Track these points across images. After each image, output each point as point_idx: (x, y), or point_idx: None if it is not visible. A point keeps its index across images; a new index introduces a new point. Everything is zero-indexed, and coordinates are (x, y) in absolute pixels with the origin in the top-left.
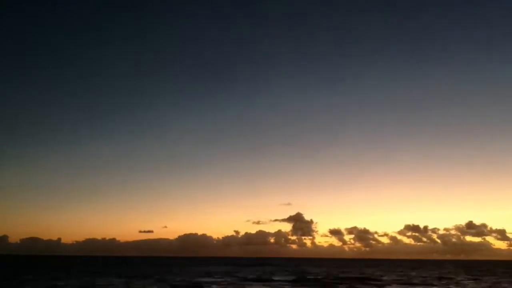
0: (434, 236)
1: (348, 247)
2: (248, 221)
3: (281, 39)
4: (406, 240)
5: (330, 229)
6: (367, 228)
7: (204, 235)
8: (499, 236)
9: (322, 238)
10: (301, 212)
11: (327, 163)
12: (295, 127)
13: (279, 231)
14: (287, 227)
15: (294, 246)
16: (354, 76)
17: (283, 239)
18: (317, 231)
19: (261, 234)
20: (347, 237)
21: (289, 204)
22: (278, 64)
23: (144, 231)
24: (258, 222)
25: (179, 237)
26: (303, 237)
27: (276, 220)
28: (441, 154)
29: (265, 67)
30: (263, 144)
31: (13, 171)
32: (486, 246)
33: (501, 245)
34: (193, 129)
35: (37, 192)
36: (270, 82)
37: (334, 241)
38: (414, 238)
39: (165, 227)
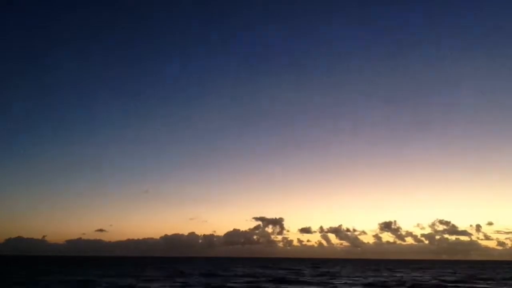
0: (418, 234)
1: (339, 247)
2: (191, 219)
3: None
4: (390, 239)
5: (299, 228)
6: (336, 226)
7: (189, 235)
8: (481, 237)
9: (306, 237)
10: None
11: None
12: (258, 126)
13: (262, 230)
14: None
15: (281, 245)
16: (325, 75)
17: (263, 238)
18: (288, 230)
19: (243, 234)
20: (330, 236)
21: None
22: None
23: (100, 230)
24: (206, 221)
25: (161, 238)
26: (287, 237)
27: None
28: (408, 150)
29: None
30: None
31: None
32: (475, 245)
33: (489, 243)
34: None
35: (23, 191)
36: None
37: (320, 240)
38: (399, 237)
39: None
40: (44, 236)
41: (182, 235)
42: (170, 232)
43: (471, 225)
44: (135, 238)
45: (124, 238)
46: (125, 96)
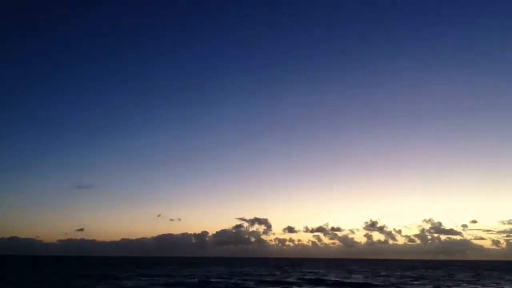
0: (408, 233)
1: (333, 247)
2: (159, 216)
3: None
4: (380, 238)
5: (283, 228)
6: (321, 225)
7: (183, 235)
8: (471, 236)
9: (298, 236)
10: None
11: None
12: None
13: (246, 230)
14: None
15: (274, 245)
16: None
17: (254, 238)
18: (273, 231)
19: (234, 234)
20: (321, 236)
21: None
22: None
23: (81, 229)
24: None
25: (153, 238)
26: (277, 237)
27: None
28: (392, 149)
29: None
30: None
31: None
32: (469, 245)
33: (484, 243)
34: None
35: (16, 190)
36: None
37: (312, 239)
38: (389, 236)
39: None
40: (37, 236)
41: (178, 235)
42: (153, 232)
43: (456, 225)
44: (129, 238)
45: (117, 238)
46: (107, 94)
